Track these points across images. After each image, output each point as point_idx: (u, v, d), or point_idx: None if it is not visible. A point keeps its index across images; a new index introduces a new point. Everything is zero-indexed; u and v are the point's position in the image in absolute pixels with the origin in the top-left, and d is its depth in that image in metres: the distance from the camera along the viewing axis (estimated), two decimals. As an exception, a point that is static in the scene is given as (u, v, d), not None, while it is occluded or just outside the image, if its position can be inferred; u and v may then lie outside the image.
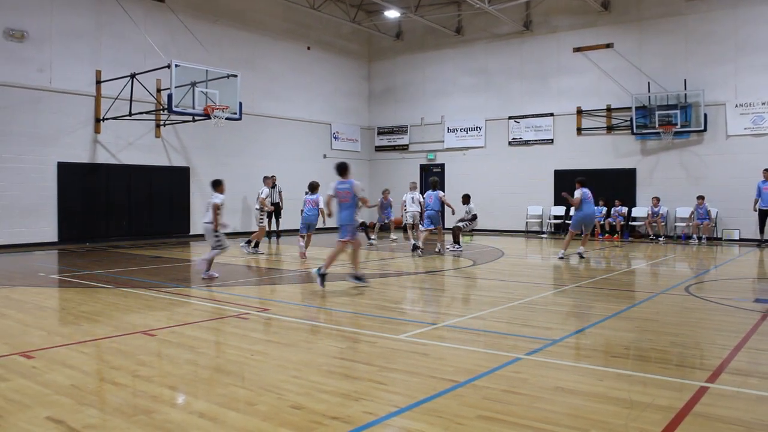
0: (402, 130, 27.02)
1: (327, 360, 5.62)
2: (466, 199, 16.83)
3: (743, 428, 4.01)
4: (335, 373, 5.20)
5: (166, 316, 7.87)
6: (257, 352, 5.92)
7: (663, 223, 20.37)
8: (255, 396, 4.63)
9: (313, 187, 14.89)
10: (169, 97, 16.37)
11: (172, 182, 20.32)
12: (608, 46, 21.83)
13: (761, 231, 18.08)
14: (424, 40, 26.15)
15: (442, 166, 25.94)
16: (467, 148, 25.21)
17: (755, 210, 18.19)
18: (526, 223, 23.43)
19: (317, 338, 6.53)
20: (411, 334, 6.65)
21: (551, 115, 23.13)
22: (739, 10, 19.58)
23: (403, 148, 26.99)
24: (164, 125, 19.81)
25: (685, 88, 20.21)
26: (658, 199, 20.25)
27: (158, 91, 18.53)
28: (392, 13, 23.58)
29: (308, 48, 24.91)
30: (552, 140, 23.15)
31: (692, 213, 19.75)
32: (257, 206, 16.29)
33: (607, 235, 21.02)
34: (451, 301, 9.46)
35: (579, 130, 22.59)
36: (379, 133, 27.75)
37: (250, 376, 5.17)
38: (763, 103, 19.19)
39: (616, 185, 21.47)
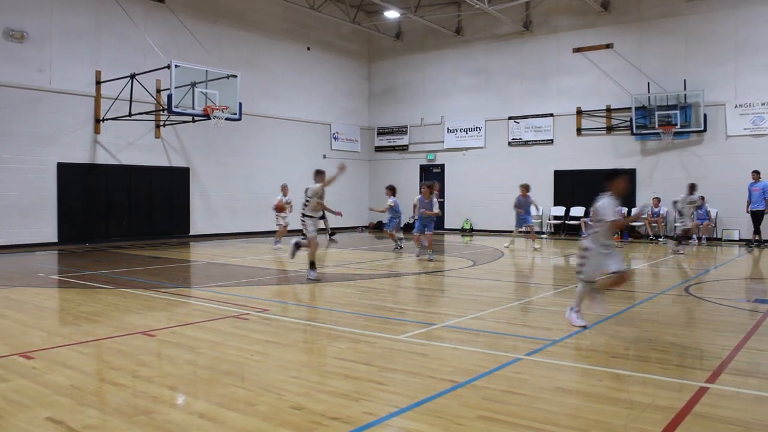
0: (402, 130, 27.01)
1: (327, 360, 5.63)
2: (692, 188, 16.50)
3: (742, 428, 4.01)
4: (335, 374, 5.20)
5: (166, 316, 7.87)
6: (257, 353, 5.92)
7: (663, 224, 20.37)
8: (255, 396, 4.63)
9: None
10: (169, 97, 16.38)
11: (172, 182, 20.32)
12: (608, 46, 21.83)
13: (755, 232, 18.12)
14: (424, 40, 26.15)
15: (442, 166, 25.93)
16: (467, 149, 25.21)
17: (748, 212, 18.27)
18: (526, 223, 23.41)
19: (317, 339, 6.54)
20: (411, 335, 6.66)
21: (551, 115, 23.13)
22: (739, 10, 19.58)
23: (403, 148, 26.98)
24: (164, 126, 19.81)
25: (685, 89, 20.21)
26: (658, 200, 20.24)
27: (158, 91, 18.54)
28: (392, 14, 23.59)
29: (308, 48, 24.91)
30: (552, 140, 23.15)
31: (692, 213, 19.73)
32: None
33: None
34: (450, 302, 9.46)
35: (579, 131, 22.60)
36: (379, 134, 27.74)
37: (249, 377, 5.17)
38: (763, 104, 19.19)
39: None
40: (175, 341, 6.42)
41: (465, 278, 11.82)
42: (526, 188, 17.41)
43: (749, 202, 18.15)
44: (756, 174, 18.05)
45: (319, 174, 11.41)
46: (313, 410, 4.30)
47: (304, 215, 11.19)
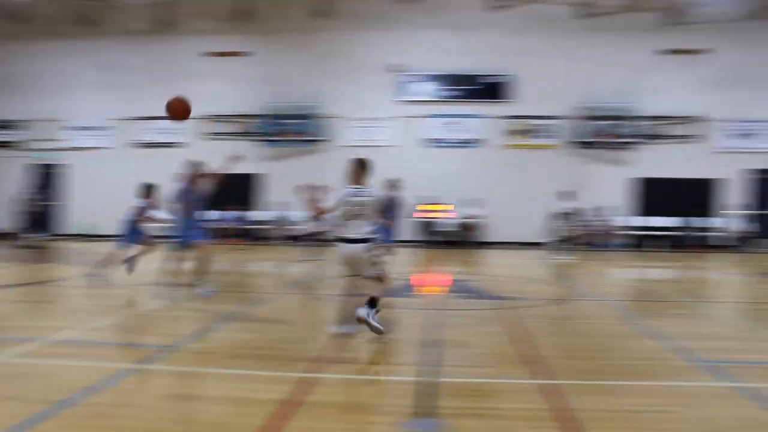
0: (13, 125, 24.05)
1: None
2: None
3: (339, 410, 4.46)
4: None
5: None
6: None
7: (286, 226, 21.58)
8: None
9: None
10: None
11: None
12: (242, 54, 22.50)
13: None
14: (51, 27, 23.50)
15: (68, 166, 23.69)
16: (93, 148, 23.55)
17: None
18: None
19: None
20: (8, 355, 5.94)
21: (183, 117, 22.86)
22: (354, 34, 21.98)
23: (12, 145, 23.96)
24: None
25: (309, 101, 21.79)
26: (287, 203, 21.25)
27: None
28: (7, -8, 20.97)
29: None
30: (183, 143, 22.75)
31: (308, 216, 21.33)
32: None
33: (234, 238, 21.42)
34: (63, 313, 8.76)
35: (211, 134, 22.63)
36: (-16, 128, 24.28)
37: None
38: (372, 119, 21.75)
39: (244, 190, 22.10)
40: None
41: (80, 287, 10.97)
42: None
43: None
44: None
45: (362, 168, 7.21)
46: None
47: None
